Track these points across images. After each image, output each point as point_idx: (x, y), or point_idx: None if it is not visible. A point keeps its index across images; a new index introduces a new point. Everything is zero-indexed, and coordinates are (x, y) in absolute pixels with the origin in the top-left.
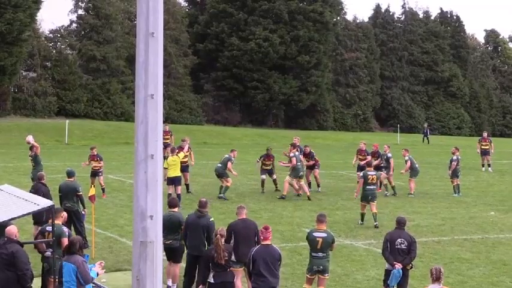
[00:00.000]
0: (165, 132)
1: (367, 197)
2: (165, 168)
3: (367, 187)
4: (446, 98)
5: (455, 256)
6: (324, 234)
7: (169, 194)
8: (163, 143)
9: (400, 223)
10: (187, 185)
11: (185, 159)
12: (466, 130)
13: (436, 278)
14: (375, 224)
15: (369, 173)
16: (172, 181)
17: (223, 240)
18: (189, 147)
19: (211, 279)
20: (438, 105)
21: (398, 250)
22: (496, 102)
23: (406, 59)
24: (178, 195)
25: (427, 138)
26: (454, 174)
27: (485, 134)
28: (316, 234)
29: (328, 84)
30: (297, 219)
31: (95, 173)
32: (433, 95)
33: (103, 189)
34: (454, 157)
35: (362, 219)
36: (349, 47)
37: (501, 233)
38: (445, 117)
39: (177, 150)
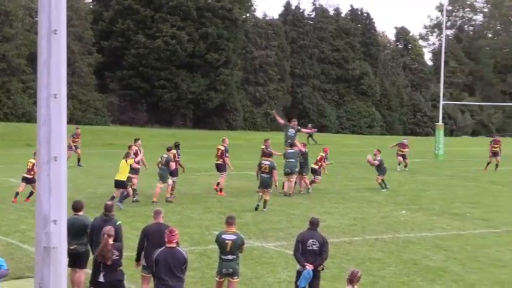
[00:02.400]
0: (77, 135)
1: (261, 184)
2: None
3: (261, 175)
4: (357, 96)
5: (366, 256)
6: (234, 237)
7: (112, 197)
8: (74, 145)
9: (313, 224)
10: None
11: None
12: (377, 129)
13: (350, 280)
14: (264, 209)
15: (263, 162)
16: (116, 184)
17: (111, 240)
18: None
19: (101, 279)
20: (349, 103)
21: (310, 251)
22: (407, 100)
23: (316, 57)
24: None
25: (313, 138)
26: (381, 172)
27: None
28: (225, 236)
29: (237, 83)
30: (206, 222)
31: None
32: (344, 93)
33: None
34: (379, 157)
35: (264, 206)
36: (259, 45)
37: (411, 232)
38: (356, 115)
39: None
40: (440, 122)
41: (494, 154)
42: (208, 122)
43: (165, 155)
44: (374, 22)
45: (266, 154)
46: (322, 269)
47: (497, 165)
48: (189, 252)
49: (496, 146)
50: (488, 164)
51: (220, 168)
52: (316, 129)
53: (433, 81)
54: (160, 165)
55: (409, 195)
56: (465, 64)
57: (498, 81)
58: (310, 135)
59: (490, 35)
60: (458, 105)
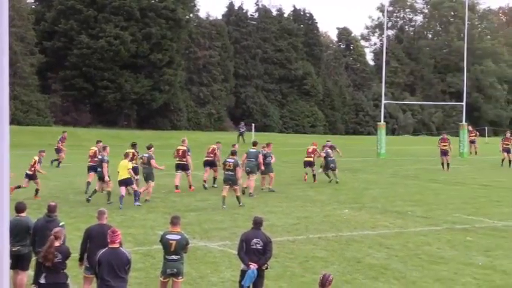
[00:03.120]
0: (64, 139)
1: (226, 181)
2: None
3: (225, 173)
4: (300, 96)
5: (310, 255)
6: (178, 237)
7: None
8: (58, 147)
9: (257, 223)
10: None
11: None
12: (320, 128)
13: (321, 284)
14: (240, 204)
15: (227, 160)
16: (122, 183)
17: (57, 242)
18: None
19: (42, 280)
20: (292, 103)
21: (254, 250)
22: (349, 99)
23: (260, 57)
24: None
25: (243, 138)
26: (327, 167)
27: (508, 134)
28: (169, 236)
29: (181, 83)
30: (150, 222)
31: None
32: (287, 93)
33: None
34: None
35: (223, 203)
36: (203, 45)
37: (354, 231)
38: (299, 115)
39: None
40: (382, 121)
41: (444, 153)
42: (152, 122)
43: (146, 154)
44: (316, 22)
45: (232, 153)
46: (266, 268)
47: (448, 165)
48: (133, 253)
49: (445, 144)
50: (442, 164)
51: (183, 167)
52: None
53: (375, 81)
54: (143, 164)
55: (352, 194)
56: (406, 64)
57: (438, 81)
58: (241, 134)
59: (429, 36)
60: (399, 105)
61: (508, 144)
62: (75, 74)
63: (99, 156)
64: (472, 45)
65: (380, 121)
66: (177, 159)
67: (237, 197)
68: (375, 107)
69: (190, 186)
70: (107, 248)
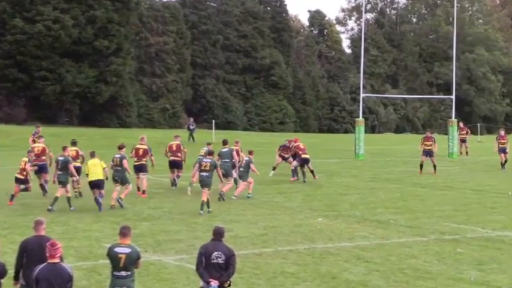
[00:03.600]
0: (36, 133)
1: (203, 184)
2: (86, 175)
3: (201, 173)
4: (267, 88)
5: (279, 270)
6: (128, 250)
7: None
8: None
9: (217, 234)
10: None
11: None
12: (290, 125)
13: None
14: (208, 210)
15: (204, 160)
16: (95, 185)
17: None
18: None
19: None
20: (258, 97)
21: (215, 265)
22: (323, 92)
23: (221, 44)
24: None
25: (192, 136)
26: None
27: (502, 132)
28: (118, 249)
29: (130, 74)
30: (95, 233)
31: None
32: (252, 86)
33: None
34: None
35: (201, 208)
36: (155, 30)
37: (329, 242)
38: (266, 110)
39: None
40: (361, 117)
41: (428, 154)
42: (97, 118)
43: (118, 155)
44: (286, 5)
45: (209, 153)
46: (229, 285)
47: (434, 167)
48: (76, 269)
49: (429, 143)
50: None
51: (143, 169)
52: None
53: (352, 72)
54: (115, 167)
55: (326, 200)
56: (387, 52)
57: (424, 71)
58: (190, 132)
59: (414, 20)
60: (380, 98)
61: (504, 144)
62: (9, 63)
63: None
64: (462, 31)
65: (358, 117)
66: (136, 159)
67: (202, 202)
68: (353, 101)
69: (143, 192)
70: (45, 264)
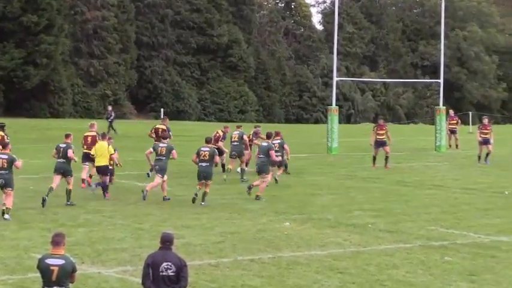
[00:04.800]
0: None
1: (199, 175)
2: (92, 155)
3: (200, 164)
4: (225, 71)
5: (239, 283)
6: (62, 261)
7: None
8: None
9: (166, 242)
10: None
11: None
12: (252, 114)
13: None
14: (202, 203)
15: (202, 149)
16: (100, 171)
17: None
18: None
19: None
20: (214, 81)
21: (164, 278)
22: (290, 76)
23: (170, 20)
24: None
25: (112, 127)
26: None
27: (485, 121)
28: (50, 261)
29: (64, 55)
30: (23, 242)
31: None
32: (208, 68)
33: None
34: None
35: (203, 199)
36: (93, 4)
37: (298, 250)
38: (224, 97)
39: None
40: (334, 105)
41: (382, 144)
42: (25, 107)
43: (63, 144)
44: None
45: (206, 140)
46: None
47: (387, 158)
48: (1, 284)
49: (382, 132)
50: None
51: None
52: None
53: (324, 52)
54: (57, 156)
55: (294, 201)
56: (365, 29)
57: (407, 51)
58: (110, 122)
59: None
60: (356, 83)
61: (486, 134)
62: None
63: (62, 145)
64: (452, 4)
65: (331, 105)
66: (85, 147)
67: (205, 193)
68: (325, 86)
69: (83, 181)
70: None
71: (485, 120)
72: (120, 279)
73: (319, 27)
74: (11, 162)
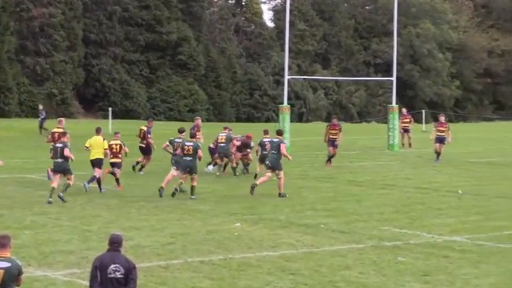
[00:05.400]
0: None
1: (183, 169)
2: (86, 148)
3: (184, 158)
4: (175, 70)
5: (189, 285)
6: (7, 264)
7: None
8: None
9: (114, 243)
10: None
11: None
12: (202, 113)
13: None
14: (192, 197)
15: (186, 143)
16: (95, 163)
17: None
18: None
19: None
20: (164, 80)
21: (112, 280)
22: (241, 74)
23: (118, 17)
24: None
25: (42, 126)
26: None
27: (442, 119)
28: None
29: (9, 53)
30: None
31: None
32: (157, 66)
33: None
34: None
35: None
36: (39, 0)
37: (249, 251)
38: (174, 96)
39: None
40: (286, 104)
41: (332, 142)
42: None
43: (59, 144)
44: None
45: (191, 135)
46: None
47: (332, 157)
48: None
49: (334, 131)
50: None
51: None
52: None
53: (276, 50)
54: (54, 157)
55: (245, 202)
56: (317, 26)
57: (359, 49)
58: (41, 124)
59: None
60: (308, 81)
61: (442, 132)
62: None
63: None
64: (405, 1)
65: (282, 103)
66: (52, 144)
67: (192, 187)
68: (276, 85)
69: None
70: None
71: (442, 118)
72: (67, 282)
73: (271, 24)
74: None
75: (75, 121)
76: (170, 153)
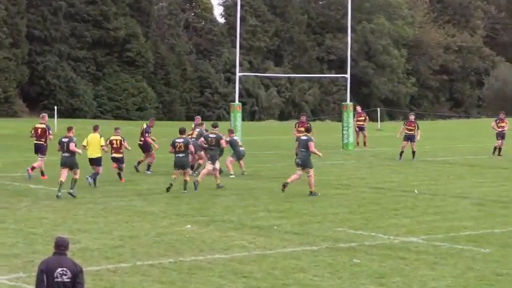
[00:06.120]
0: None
1: (175, 164)
2: (83, 147)
3: (176, 155)
4: (123, 67)
5: None
6: None
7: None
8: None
9: (60, 246)
10: None
11: None
12: (151, 112)
13: None
14: (184, 192)
15: (176, 140)
16: (94, 162)
17: None
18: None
19: None
20: (111, 77)
21: (59, 284)
22: (191, 71)
23: (64, 12)
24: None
25: None
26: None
27: (411, 117)
28: None
29: None
30: None
31: None
32: (104, 63)
33: None
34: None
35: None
36: None
37: (200, 254)
38: (121, 94)
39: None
40: (237, 102)
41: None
42: None
43: (65, 138)
44: None
45: (180, 131)
46: None
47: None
48: None
49: (302, 130)
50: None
51: (42, 149)
52: None
53: (227, 46)
54: (61, 151)
55: (196, 203)
56: (269, 22)
57: (313, 45)
58: None
59: None
60: (260, 78)
61: (411, 131)
62: None
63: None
64: None
65: (234, 101)
66: (35, 139)
67: (185, 181)
68: (227, 82)
69: (35, 170)
70: None
71: (411, 117)
72: (12, 286)
73: (221, 20)
74: None
75: (19, 120)
76: (204, 148)
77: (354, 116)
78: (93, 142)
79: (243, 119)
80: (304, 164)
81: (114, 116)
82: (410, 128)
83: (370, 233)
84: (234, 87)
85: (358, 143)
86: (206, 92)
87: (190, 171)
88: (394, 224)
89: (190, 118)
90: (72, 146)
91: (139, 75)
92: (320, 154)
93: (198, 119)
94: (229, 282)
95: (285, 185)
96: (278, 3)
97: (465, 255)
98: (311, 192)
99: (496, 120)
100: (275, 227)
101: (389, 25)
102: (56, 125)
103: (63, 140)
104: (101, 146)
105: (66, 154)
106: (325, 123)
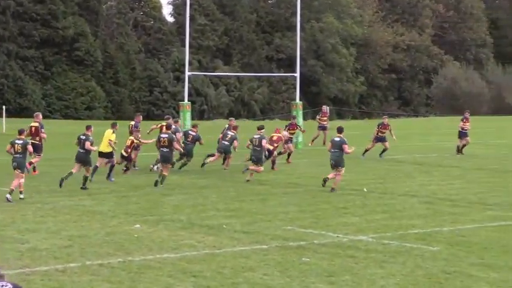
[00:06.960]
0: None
1: (160, 159)
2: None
3: (161, 149)
4: (71, 66)
5: None
6: None
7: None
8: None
9: None
10: None
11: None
12: (100, 111)
13: None
14: (160, 185)
15: (161, 135)
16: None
17: None
18: None
19: None
20: (60, 76)
21: None
22: (140, 70)
23: (12, 11)
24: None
25: None
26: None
27: (385, 121)
28: None
29: None
30: None
31: None
32: (53, 63)
33: None
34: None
35: (161, 182)
36: None
37: (149, 253)
38: (70, 93)
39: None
40: (186, 101)
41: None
42: None
43: (83, 136)
44: None
45: (166, 126)
46: None
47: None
48: None
49: (292, 131)
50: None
51: (37, 148)
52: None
53: (176, 45)
54: (78, 146)
55: (145, 202)
56: (218, 21)
57: (262, 44)
58: None
59: None
60: (209, 77)
61: (384, 132)
62: None
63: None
64: None
65: (183, 100)
66: (30, 138)
67: (164, 176)
68: (176, 81)
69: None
70: None
71: (386, 121)
72: None
73: (170, 19)
74: None
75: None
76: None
77: (319, 115)
78: (104, 137)
79: (192, 118)
80: (338, 164)
81: (63, 116)
82: (384, 130)
83: (320, 232)
84: (183, 86)
85: (313, 141)
86: (155, 91)
87: (171, 166)
88: (343, 222)
89: (146, 118)
90: (87, 145)
91: (88, 74)
92: (351, 151)
93: (169, 117)
94: (179, 282)
95: (325, 180)
96: (227, 2)
97: (414, 253)
98: (332, 188)
99: (462, 120)
100: (224, 226)
101: (338, 24)
102: (5, 125)
103: (81, 136)
104: (109, 140)
105: (81, 150)
106: (274, 122)
